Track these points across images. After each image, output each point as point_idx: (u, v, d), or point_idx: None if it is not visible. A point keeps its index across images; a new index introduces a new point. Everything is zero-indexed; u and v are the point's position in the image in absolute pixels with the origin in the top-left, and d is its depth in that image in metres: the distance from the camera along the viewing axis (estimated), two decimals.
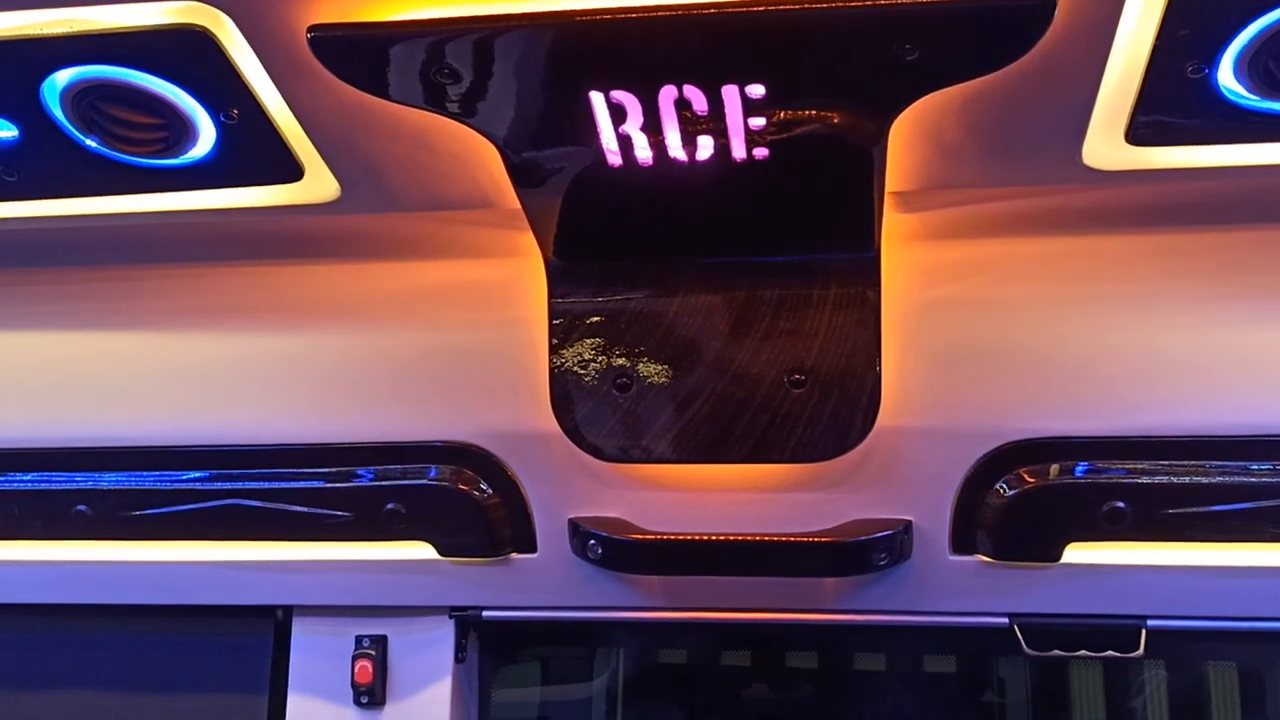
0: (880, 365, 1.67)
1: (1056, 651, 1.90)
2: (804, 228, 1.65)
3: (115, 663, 2.06)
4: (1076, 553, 1.81)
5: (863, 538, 1.77)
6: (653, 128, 1.44)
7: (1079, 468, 1.75)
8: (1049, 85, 1.37)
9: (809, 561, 1.80)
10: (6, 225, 1.76)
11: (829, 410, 1.68)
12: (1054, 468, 1.75)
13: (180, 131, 1.54)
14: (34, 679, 2.09)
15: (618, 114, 1.42)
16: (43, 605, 2.02)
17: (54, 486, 1.89)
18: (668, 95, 1.39)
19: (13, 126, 1.56)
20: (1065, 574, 1.84)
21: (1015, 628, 1.89)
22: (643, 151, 1.49)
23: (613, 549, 1.82)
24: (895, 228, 1.69)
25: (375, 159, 1.60)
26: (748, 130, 1.43)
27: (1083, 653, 1.90)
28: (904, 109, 1.40)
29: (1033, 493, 1.75)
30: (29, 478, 1.90)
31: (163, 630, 2.06)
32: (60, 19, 1.35)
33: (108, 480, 1.90)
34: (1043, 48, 1.28)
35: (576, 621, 2.01)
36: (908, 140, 1.50)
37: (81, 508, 1.89)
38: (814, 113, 1.41)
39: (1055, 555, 1.80)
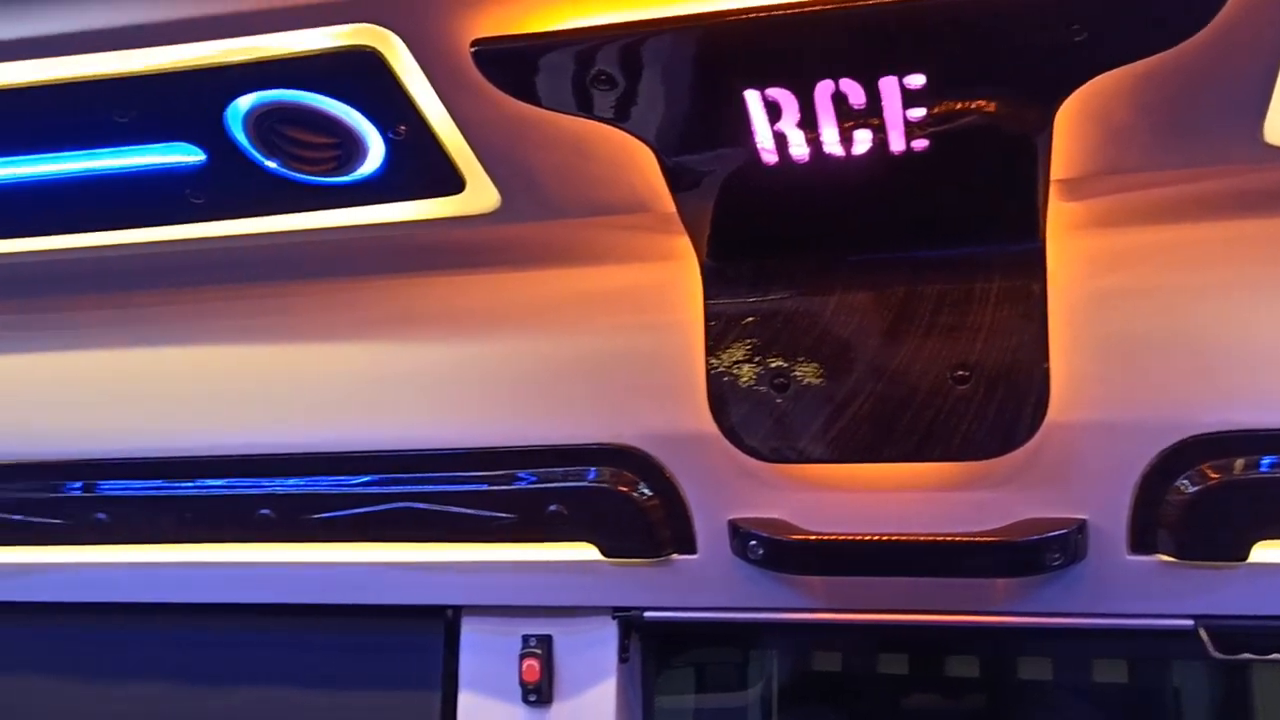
0: (1048, 359, 1.63)
1: (1246, 655, 1.81)
2: (965, 220, 1.62)
3: (295, 660, 2.15)
4: (1265, 551, 1.72)
5: (1035, 537, 1.72)
6: (809, 124, 1.44)
7: (1266, 462, 1.66)
8: (1226, 59, 1.31)
9: (979, 562, 1.76)
10: (194, 246, 1.87)
11: (995, 406, 1.64)
12: (1239, 462, 1.67)
13: (352, 150, 1.61)
14: (220, 675, 2.20)
15: (773, 112, 1.43)
16: (229, 605, 2.13)
17: (241, 492, 2.00)
18: (824, 90, 1.39)
19: (200, 151, 1.65)
20: (1252, 573, 1.75)
21: (1201, 630, 1.81)
22: (798, 149, 1.48)
23: (774, 550, 1.81)
24: (1061, 216, 1.64)
25: (534, 168, 1.64)
26: (906, 122, 1.41)
27: (1275, 655, 1.80)
28: (1070, 93, 1.36)
29: (1217, 489, 1.67)
30: (220, 483, 2.01)
31: (340, 629, 2.15)
32: (242, 47, 1.43)
33: (287, 485, 1.99)
34: (1220, 20, 1.22)
35: (737, 622, 2.01)
36: (1073, 124, 1.45)
37: (265, 511, 1.99)
38: (976, 102, 1.38)
39: (1242, 554, 1.72)
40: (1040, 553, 1.73)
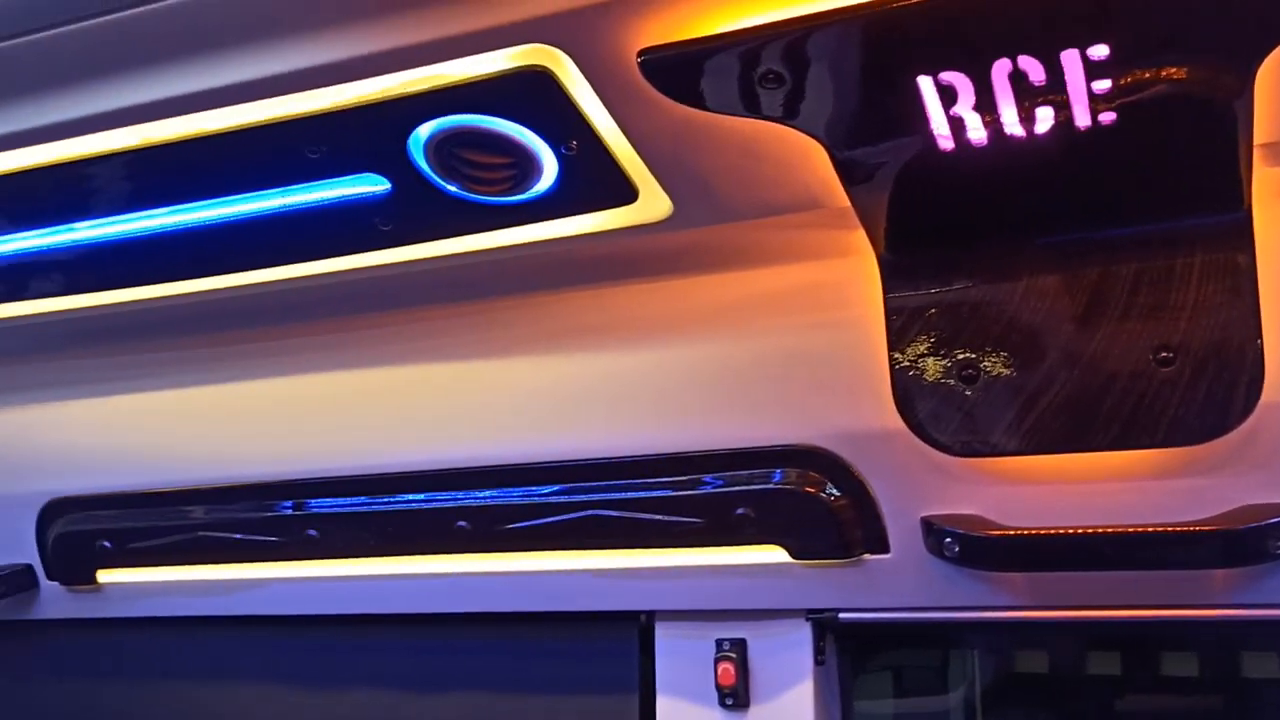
0: (1261, 335, 1.53)
1: None
2: (1159, 194, 1.53)
3: (497, 666, 2.22)
4: None
5: (1256, 524, 1.62)
6: (986, 106, 1.39)
7: None
8: None
9: (1195, 552, 1.67)
10: (383, 271, 1.96)
11: (1204, 389, 1.55)
12: None
13: (526, 168, 1.65)
14: (427, 682, 2.29)
15: (948, 96, 1.39)
16: (432, 614, 2.22)
17: (438, 505, 2.08)
18: (1001, 70, 1.34)
19: (385, 180, 1.73)
20: None
21: None
22: (976, 132, 1.44)
23: (971, 546, 1.76)
24: (1267, 183, 1.54)
25: (705, 173, 1.64)
26: (1091, 96, 1.35)
27: None
28: (1271, 50, 1.28)
29: None
30: (419, 498, 2.09)
31: (537, 635, 2.20)
32: (421, 77, 1.49)
33: (481, 497, 2.05)
34: None
35: (935, 622, 1.96)
36: (1276, 86, 1.36)
37: (461, 523, 2.05)
38: (1166, 69, 1.31)
39: None
40: (1263, 540, 1.62)
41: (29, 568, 2.48)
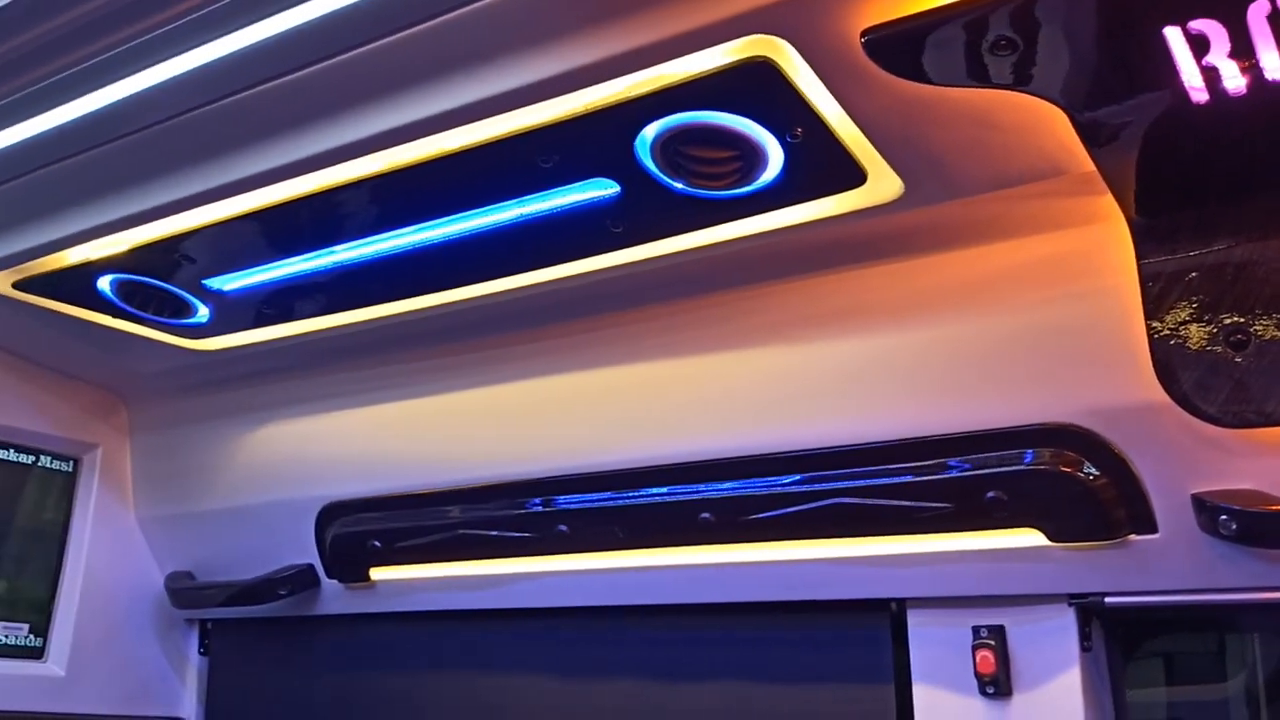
0: None
1: None
2: None
3: (748, 656, 2.23)
4: None
5: None
6: (1243, 52, 1.29)
7: None
8: None
9: None
10: (614, 273, 2.01)
11: None
12: None
13: (752, 160, 1.66)
14: (677, 673, 2.33)
15: (1199, 46, 1.30)
16: (681, 605, 2.26)
17: (681, 498, 2.11)
18: (1258, 12, 1.24)
19: (614, 184, 1.77)
20: None
21: None
22: (1233, 81, 1.34)
23: (1250, 523, 1.64)
24: None
25: (935, 149, 1.60)
26: None
27: None
28: None
29: None
30: (662, 491, 2.13)
31: (786, 626, 2.20)
32: (646, 79, 1.52)
33: (723, 489, 2.07)
34: None
35: (1211, 605, 1.84)
36: None
37: (705, 515, 2.08)
38: None
39: None
40: None
41: (310, 567, 2.69)
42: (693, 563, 2.18)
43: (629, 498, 2.17)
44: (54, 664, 2.76)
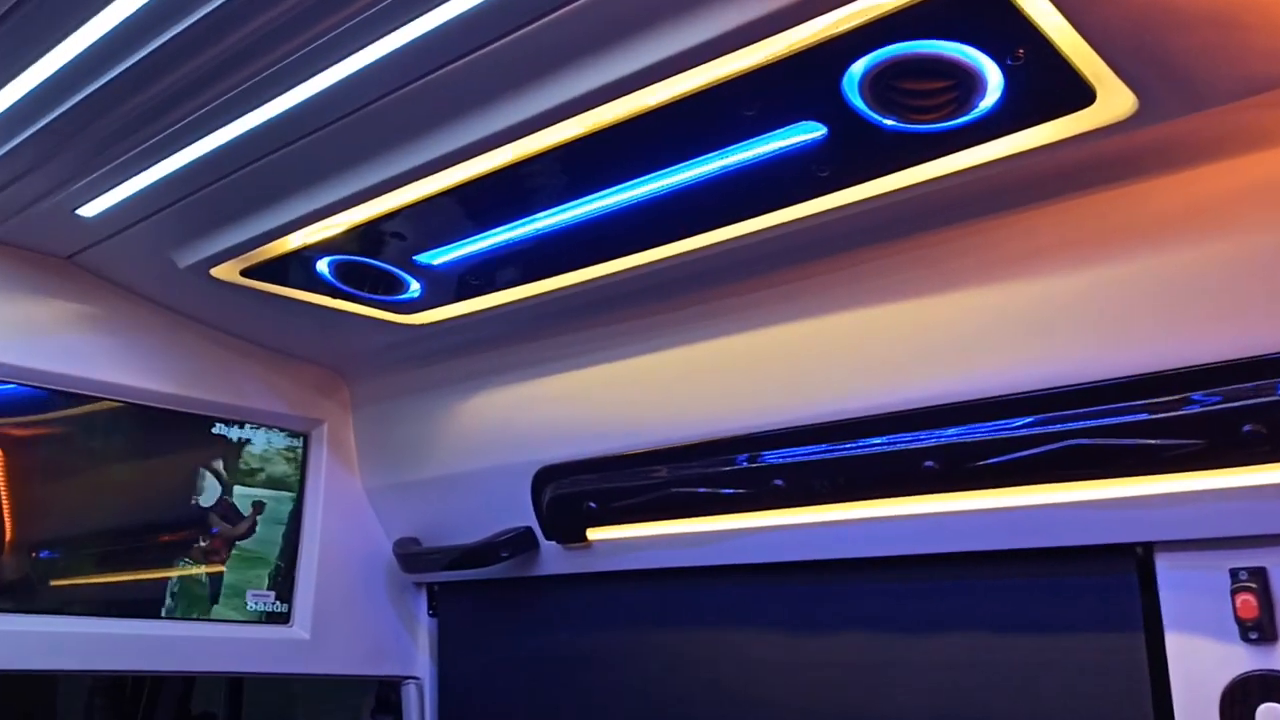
0: None
1: None
2: None
3: (984, 607, 2.15)
4: None
5: None
6: None
7: None
8: None
9: None
10: (821, 219, 1.95)
11: None
12: None
13: (969, 88, 1.57)
14: (907, 626, 2.27)
15: None
16: (907, 557, 2.20)
17: (902, 447, 2.05)
18: None
19: (820, 126, 1.71)
20: None
21: None
22: None
23: None
24: None
25: (1172, 56, 1.47)
26: None
27: None
28: None
29: None
30: (880, 441, 2.07)
31: (1023, 574, 2.11)
32: (850, 12, 1.45)
33: (946, 436, 2.00)
34: None
35: None
36: None
37: (929, 463, 2.01)
38: None
39: None
40: None
41: (529, 530, 2.75)
42: (918, 512, 2.11)
43: (846, 449, 2.13)
44: (299, 628, 2.93)
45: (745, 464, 2.29)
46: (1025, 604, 2.11)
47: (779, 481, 2.23)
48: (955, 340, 1.98)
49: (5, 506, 2.52)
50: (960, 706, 2.17)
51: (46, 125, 1.86)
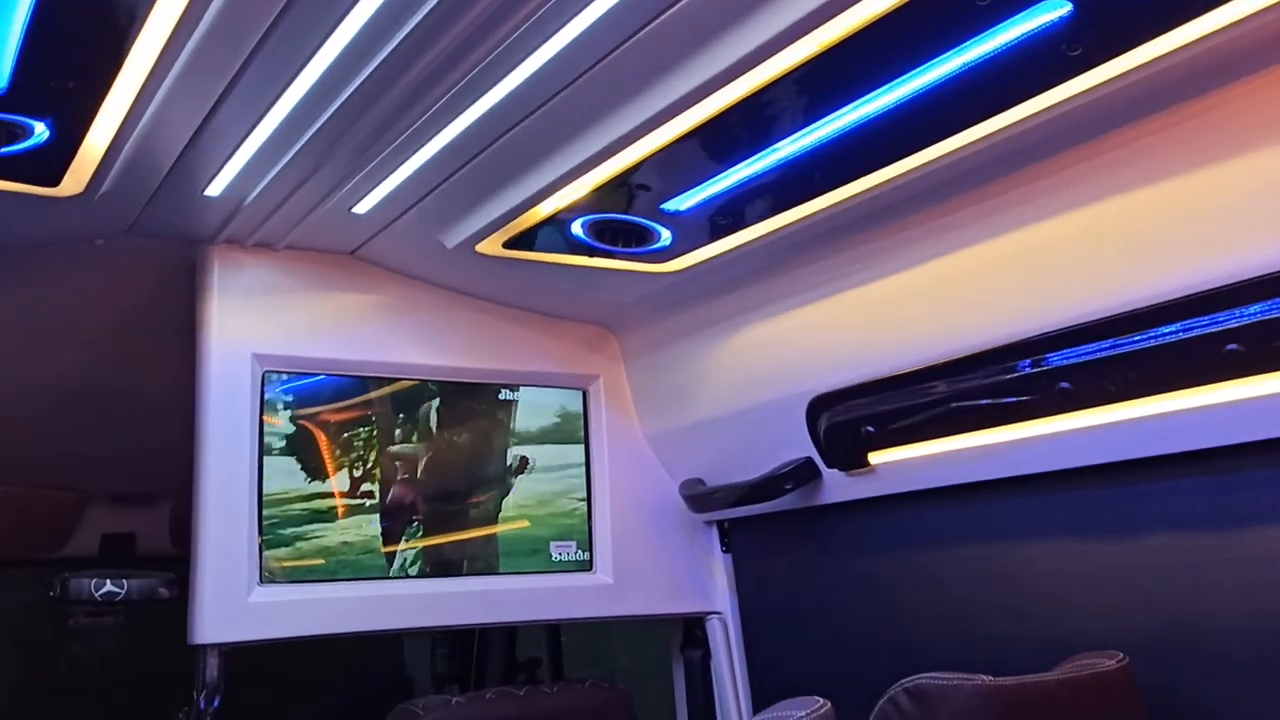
0: None
1: None
2: None
3: None
4: None
5: None
6: None
7: None
8: None
9: None
10: (1074, 103, 1.82)
11: None
12: None
13: None
14: (1226, 520, 2.09)
15: None
16: (1215, 449, 2.02)
17: (1199, 332, 1.88)
18: None
19: (1065, 2, 1.59)
20: None
21: None
22: None
23: None
24: None
25: None
26: None
27: None
28: None
29: None
30: (1175, 328, 1.92)
31: None
32: None
33: (1252, 314, 1.81)
34: None
35: None
36: None
37: (1233, 346, 1.84)
38: None
39: None
40: None
41: (809, 460, 2.75)
42: (1220, 401, 1.95)
43: (1136, 342, 1.99)
44: (602, 574, 3.08)
45: (1029, 369, 2.19)
46: None
47: (1065, 384, 2.12)
48: (1243, 212, 1.80)
49: (332, 483, 2.78)
50: None
51: (316, 132, 2.02)
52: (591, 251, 2.59)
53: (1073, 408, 2.16)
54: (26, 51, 1.69)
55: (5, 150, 1.97)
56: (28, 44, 1.67)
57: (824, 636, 2.96)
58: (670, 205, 2.34)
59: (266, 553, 2.65)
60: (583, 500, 3.11)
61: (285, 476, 2.72)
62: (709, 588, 3.23)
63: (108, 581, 3.14)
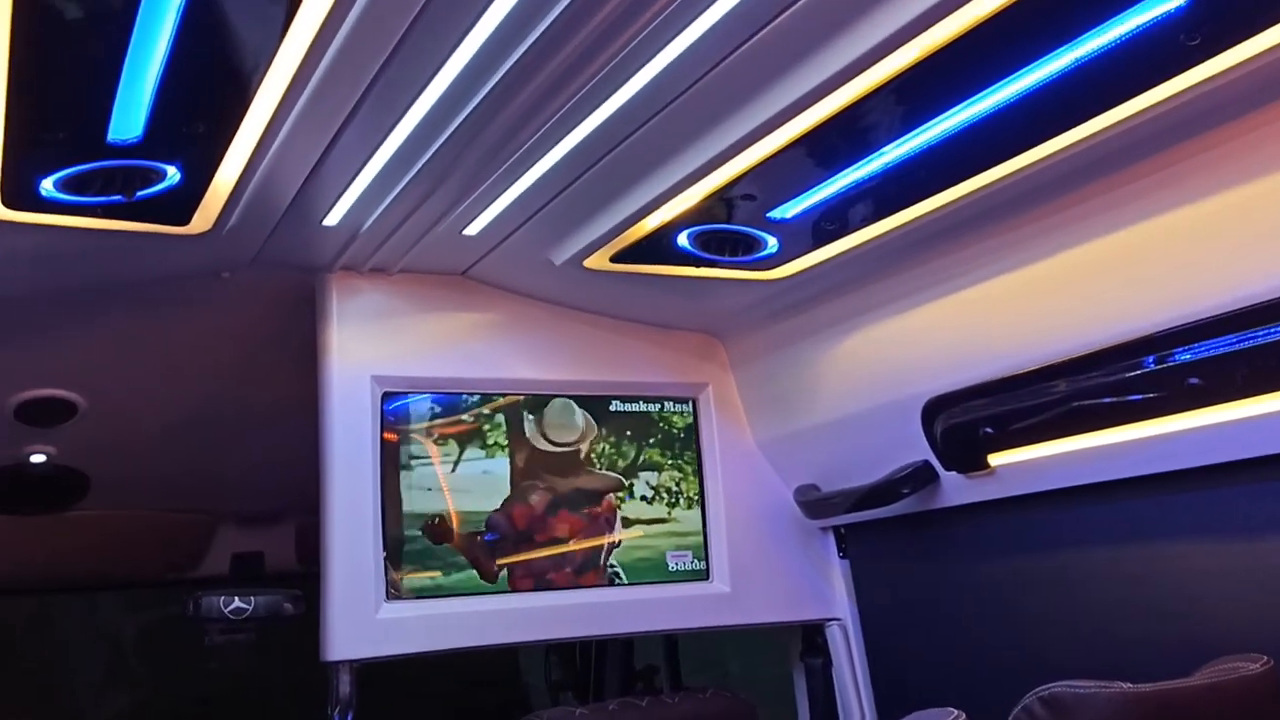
0: None
1: None
2: None
3: None
4: None
5: None
6: None
7: None
8: None
9: None
10: (1193, 93, 1.77)
11: None
12: None
13: None
14: None
15: None
16: None
17: None
18: None
19: None
20: None
21: None
22: None
23: None
24: None
25: None
26: None
27: None
28: None
29: None
30: None
31: None
32: None
33: None
34: None
35: None
36: None
37: None
38: None
39: None
40: None
41: (926, 463, 2.72)
42: None
43: (1269, 334, 1.92)
44: (719, 583, 3.08)
45: (1153, 365, 2.13)
46: None
47: (1194, 380, 2.06)
48: None
49: (448, 500, 2.84)
50: None
51: (429, 158, 2.07)
52: (698, 262, 2.60)
53: (1204, 404, 2.09)
54: (160, 100, 1.76)
55: (140, 194, 2.06)
56: (161, 93, 1.74)
57: (947, 642, 2.91)
58: (776, 213, 2.34)
59: (391, 571, 2.72)
60: (697, 510, 3.11)
61: (406, 493, 2.79)
62: (827, 594, 3.21)
63: (236, 598, 3.24)
